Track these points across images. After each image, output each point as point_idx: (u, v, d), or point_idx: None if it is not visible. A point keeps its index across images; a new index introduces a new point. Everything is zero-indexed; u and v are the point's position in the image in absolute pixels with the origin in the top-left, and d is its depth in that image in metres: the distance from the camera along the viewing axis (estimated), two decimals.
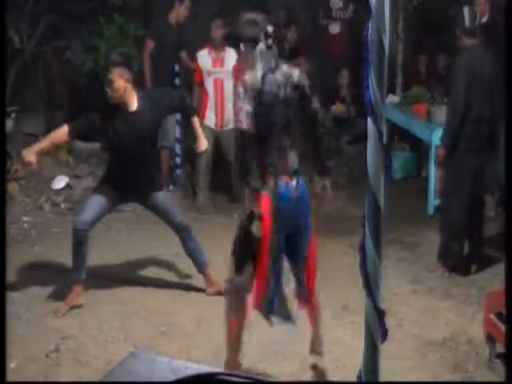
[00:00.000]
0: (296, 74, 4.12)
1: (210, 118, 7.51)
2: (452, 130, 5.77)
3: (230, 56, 7.44)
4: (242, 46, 4.17)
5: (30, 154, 5.17)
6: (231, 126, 6.90)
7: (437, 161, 6.38)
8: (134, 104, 5.26)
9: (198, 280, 5.75)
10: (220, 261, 5.30)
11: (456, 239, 5.92)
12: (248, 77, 4.09)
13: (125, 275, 5.93)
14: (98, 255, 5.95)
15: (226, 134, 7.38)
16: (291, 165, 4.09)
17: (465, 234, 5.94)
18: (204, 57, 7.53)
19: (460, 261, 5.95)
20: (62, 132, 5.27)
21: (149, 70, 7.83)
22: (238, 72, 6.87)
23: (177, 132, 8.06)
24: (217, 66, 7.50)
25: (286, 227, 4.13)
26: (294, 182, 4.10)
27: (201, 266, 5.60)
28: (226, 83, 7.43)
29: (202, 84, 7.59)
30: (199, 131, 5.58)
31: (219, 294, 5.22)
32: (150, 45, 7.90)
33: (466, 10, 5.83)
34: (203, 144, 5.63)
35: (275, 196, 4.03)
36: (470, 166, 5.76)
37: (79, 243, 5.30)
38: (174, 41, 7.89)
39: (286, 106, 4.06)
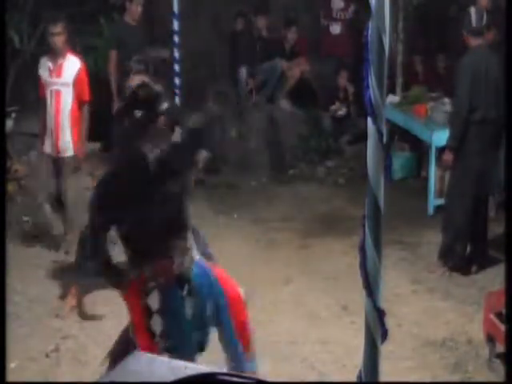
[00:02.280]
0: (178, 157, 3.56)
1: (47, 144, 6.16)
2: (456, 133, 5.75)
3: (71, 65, 6.14)
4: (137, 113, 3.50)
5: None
6: (71, 152, 6.07)
7: (442, 164, 6.29)
8: None
9: None
10: (221, 261, 5.30)
11: (459, 240, 5.91)
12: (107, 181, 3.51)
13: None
14: None
15: (63, 162, 6.12)
16: (181, 266, 3.55)
17: (468, 234, 5.94)
18: (43, 65, 6.20)
19: (462, 261, 5.95)
20: None
21: (115, 82, 7.51)
22: (79, 84, 6.11)
23: None
24: (53, 75, 6.11)
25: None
26: (184, 287, 3.55)
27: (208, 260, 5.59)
28: (64, 97, 6.08)
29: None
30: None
31: None
32: (114, 55, 7.68)
33: (472, 10, 5.81)
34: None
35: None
36: (475, 168, 5.75)
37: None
38: (137, 41, 7.63)
39: (162, 206, 3.46)
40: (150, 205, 3.44)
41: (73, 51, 6.27)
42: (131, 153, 3.49)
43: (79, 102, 6.13)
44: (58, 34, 6.08)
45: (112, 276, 3.63)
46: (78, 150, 6.14)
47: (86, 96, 6.16)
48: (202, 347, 3.67)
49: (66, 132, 6.07)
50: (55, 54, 6.13)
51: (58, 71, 6.10)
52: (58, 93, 6.08)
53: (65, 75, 6.10)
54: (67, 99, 6.08)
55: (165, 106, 3.55)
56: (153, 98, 3.53)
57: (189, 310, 3.57)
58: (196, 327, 3.61)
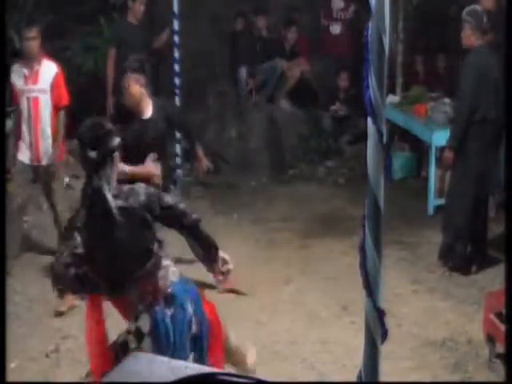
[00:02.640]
0: (142, 191, 3.51)
1: (24, 151, 5.98)
2: (457, 132, 5.74)
3: (47, 70, 5.96)
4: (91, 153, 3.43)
5: None
6: (52, 159, 5.96)
7: (442, 163, 6.25)
8: (148, 111, 5.28)
9: (202, 278, 5.75)
10: None
11: (459, 239, 5.90)
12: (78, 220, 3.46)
13: None
14: None
15: (44, 171, 6.02)
16: (165, 282, 3.54)
17: (468, 234, 5.93)
18: (16, 72, 5.98)
19: (462, 261, 5.94)
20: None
21: (111, 80, 7.56)
22: (57, 89, 5.95)
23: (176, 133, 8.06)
24: (29, 82, 5.92)
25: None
26: (171, 305, 3.54)
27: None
28: (42, 104, 5.91)
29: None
30: (199, 153, 5.71)
31: (230, 291, 5.31)
32: (113, 53, 7.69)
33: (480, 9, 5.76)
34: (203, 164, 5.81)
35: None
36: (476, 168, 5.74)
37: None
38: (138, 41, 7.66)
39: (137, 233, 3.46)
40: (113, 240, 3.41)
41: (47, 55, 6.10)
42: (89, 192, 3.45)
43: (58, 107, 5.98)
44: (32, 39, 5.90)
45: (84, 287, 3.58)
46: (58, 156, 6.03)
47: (65, 101, 6.01)
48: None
49: (47, 139, 5.93)
50: (30, 60, 5.93)
51: (34, 78, 5.92)
52: (35, 100, 5.90)
53: (41, 81, 5.92)
54: (46, 106, 5.92)
55: (117, 141, 3.50)
56: (104, 135, 3.49)
57: (177, 327, 3.56)
58: (183, 345, 3.59)
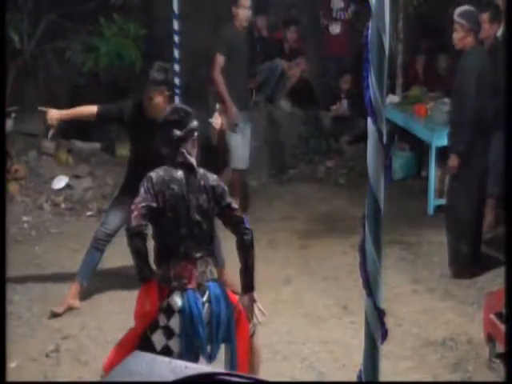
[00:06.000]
0: (212, 178, 3.80)
1: None
2: (467, 137, 5.58)
3: None
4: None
5: (55, 115, 5.21)
6: None
7: (448, 170, 6.01)
8: None
9: None
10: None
11: (465, 241, 5.83)
12: (156, 175, 3.71)
13: (125, 274, 5.92)
14: None
15: None
16: (203, 275, 3.71)
17: (472, 235, 5.87)
18: None
19: (468, 262, 5.86)
20: (90, 110, 5.25)
21: (225, 88, 7.23)
22: None
23: None
24: None
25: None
26: (204, 295, 3.68)
27: (218, 264, 5.55)
28: None
29: None
30: None
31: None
32: (221, 60, 7.28)
33: (474, 10, 5.72)
34: None
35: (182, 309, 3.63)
36: (478, 168, 5.71)
37: (96, 249, 5.44)
38: (246, 49, 7.42)
39: (197, 213, 3.72)
40: (186, 211, 3.70)
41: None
42: (177, 163, 3.76)
43: None
44: None
45: (145, 270, 3.72)
46: None
47: None
48: (210, 358, 3.73)
49: None
50: None
51: None
52: None
53: None
54: None
55: (195, 123, 3.81)
56: (186, 117, 3.81)
57: (206, 315, 3.66)
58: (210, 335, 3.67)
